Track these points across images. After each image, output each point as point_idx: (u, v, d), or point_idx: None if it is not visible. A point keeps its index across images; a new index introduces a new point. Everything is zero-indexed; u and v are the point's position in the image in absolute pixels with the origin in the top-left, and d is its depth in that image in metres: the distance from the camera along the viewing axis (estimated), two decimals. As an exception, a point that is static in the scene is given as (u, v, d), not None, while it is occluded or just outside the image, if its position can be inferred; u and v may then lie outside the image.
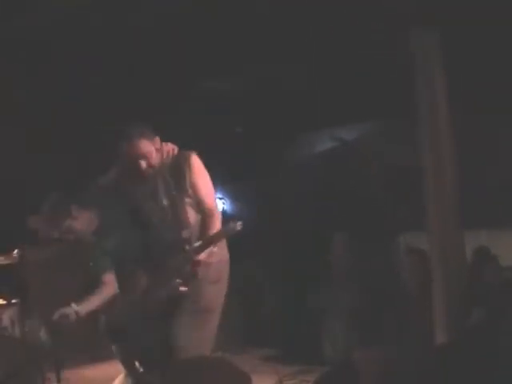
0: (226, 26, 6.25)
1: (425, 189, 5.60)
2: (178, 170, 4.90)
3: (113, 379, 5.90)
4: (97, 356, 7.73)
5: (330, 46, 6.64)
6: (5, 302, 6.35)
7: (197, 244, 4.69)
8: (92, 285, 5.67)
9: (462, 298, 5.57)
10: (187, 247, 4.70)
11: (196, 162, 4.92)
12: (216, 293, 4.96)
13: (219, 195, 9.37)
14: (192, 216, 4.88)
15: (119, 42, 6.59)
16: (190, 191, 4.87)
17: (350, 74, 7.12)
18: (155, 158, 4.86)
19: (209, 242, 4.69)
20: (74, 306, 5.33)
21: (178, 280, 4.72)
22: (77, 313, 5.46)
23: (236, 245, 4.98)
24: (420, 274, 6.30)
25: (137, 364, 5.16)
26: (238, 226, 4.60)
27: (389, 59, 6.55)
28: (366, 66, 6.87)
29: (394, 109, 7.11)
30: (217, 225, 4.85)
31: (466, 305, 5.53)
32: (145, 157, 4.81)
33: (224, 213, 9.28)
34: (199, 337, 4.82)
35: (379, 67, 6.80)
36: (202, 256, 4.65)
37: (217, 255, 4.83)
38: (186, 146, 7.91)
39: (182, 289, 4.73)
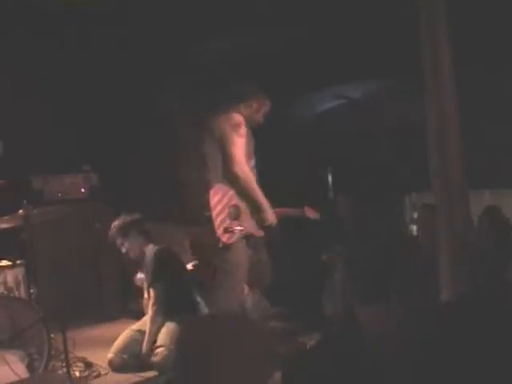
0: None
1: (429, 147, 5.55)
2: None
3: (116, 339, 5.95)
4: (101, 316, 7.79)
5: (334, 4, 6.58)
6: (10, 263, 6.36)
7: None
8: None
9: (466, 258, 5.56)
10: None
11: None
12: None
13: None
14: None
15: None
16: None
17: (354, 31, 7.06)
18: None
19: None
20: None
21: None
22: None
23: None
24: (432, 229, 6.30)
25: None
26: None
27: (392, 15, 6.50)
28: (371, 23, 6.81)
29: (399, 66, 7.06)
30: None
31: (471, 264, 5.53)
32: None
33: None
34: None
35: (384, 24, 6.75)
36: None
37: None
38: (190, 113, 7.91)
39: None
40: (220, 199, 5.13)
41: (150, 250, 5.94)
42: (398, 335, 3.87)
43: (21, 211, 5.89)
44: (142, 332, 5.84)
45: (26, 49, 7.20)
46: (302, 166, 8.39)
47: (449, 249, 5.44)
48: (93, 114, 8.40)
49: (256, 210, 5.30)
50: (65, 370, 5.23)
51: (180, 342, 4.08)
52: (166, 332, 5.67)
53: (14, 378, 4.90)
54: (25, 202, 5.89)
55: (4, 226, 6.04)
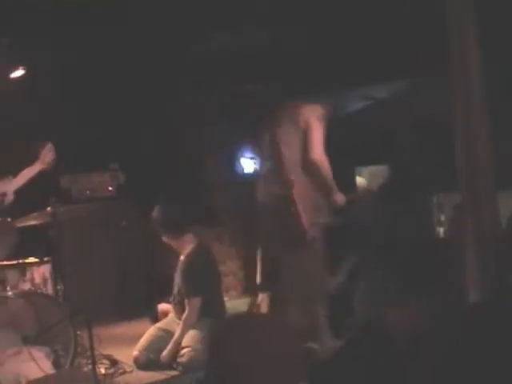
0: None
1: (456, 146, 5.51)
2: None
3: (141, 337, 5.97)
4: (127, 314, 7.82)
5: (361, 3, 6.56)
6: (37, 260, 6.40)
7: None
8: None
9: (495, 260, 5.51)
10: None
11: None
12: None
13: (250, 155, 9.35)
14: None
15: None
16: None
17: (382, 31, 7.03)
18: None
19: None
20: None
21: None
22: None
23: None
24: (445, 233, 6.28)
25: None
26: None
27: (420, 14, 6.46)
28: (398, 22, 6.78)
29: (426, 67, 7.01)
30: None
31: (499, 266, 5.47)
32: None
33: (255, 172, 9.26)
34: None
35: (410, 24, 6.71)
36: None
37: None
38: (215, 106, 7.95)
39: None
40: (304, 192, 5.17)
41: (194, 250, 5.92)
42: (425, 336, 3.84)
43: (48, 209, 5.94)
44: (167, 331, 5.85)
45: (52, 47, 7.23)
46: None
47: (476, 250, 5.39)
48: (121, 111, 8.44)
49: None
50: (90, 366, 5.24)
51: (212, 343, 4.09)
52: (192, 333, 5.67)
53: (40, 374, 4.93)
54: (52, 199, 5.93)
55: (32, 222, 6.08)
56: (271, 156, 5.38)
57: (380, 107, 8.58)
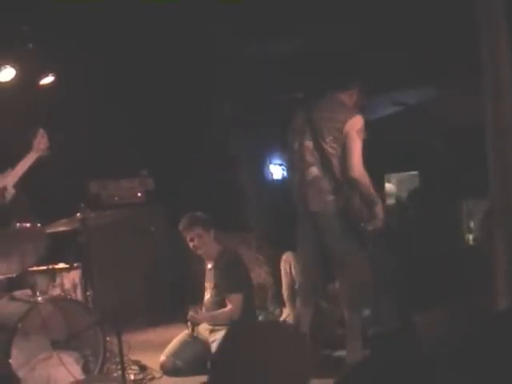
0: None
1: (487, 153, 5.46)
2: None
3: (170, 343, 5.98)
4: (156, 320, 7.84)
5: (391, 9, 6.54)
6: (67, 266, 6.44)
7: None
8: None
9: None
10: None
11: None
12: None
13: (279, 162, 9.35)
14: None
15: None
16: None
17: (411, 36, 7.00)
18: None
19: None
20: None
21: None
22: None
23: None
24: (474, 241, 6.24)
25: None
26: None
27: (450, 20, 6.43)
28: (428, 28, 6.75)
29: (457, 72, 6.98)
30: None
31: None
32: None
33: (284, 179, 9.26)
34: None
35: (440, 30, 6.68)
36: None
37: None
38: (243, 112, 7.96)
39: None
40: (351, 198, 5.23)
41: (224, 252, 5.93)
42: (454, 341, 3.82)
43: (78, 214, 5.97)
44: (197, 338, 5.84)
45: (83, 54, 7.29)
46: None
47: (506, 256, 5.35)
48: (151, 118, 8.49)
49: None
50: (120, 372, 5.26)
51: (224, 347, 4.10)
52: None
53: (70, 379, 4.95)
54: (82, 205, 5.97)
55: (62, 228, 6.12)
56: (320, 165, 5.34)
57: (409, 113, 8.54)
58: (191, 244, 5.94)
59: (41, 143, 5.54)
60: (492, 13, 5.31)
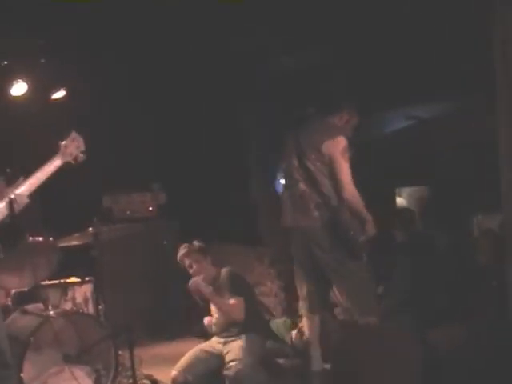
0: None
1: (500, 168, 5.45)
2: None
3: (182, 357, 5.95)
4: (168, 334, 7.83)
5: (406, 23, 6.55)
6: (79, 280, 6.45)
7: None
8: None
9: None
10: None
11: None
12: None
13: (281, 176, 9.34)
14: None
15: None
16: None
17: (424, 52, 7.01)
18: None
19: None
20: None
21: None
22: None
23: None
24: (491, 254, 6.23)
25: None
26: None
27: (464, 37, 6.43)
28: (444, 41, 6.76)
29: (471, 86, 6.97)
30: None
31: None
32: None
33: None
34: None
35: (458, 43, 6.68)
36: None
37: None
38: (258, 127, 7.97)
39: None
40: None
41: (225, 271, 5.94)
42: (468, 355, 3.82)
43: (90, 229, 5.98)
44: (210, 353, 5.81)
45: (94, 73, 7.33)
46: (370, 184, 8.36)
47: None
48: (163, 132, 8.51)
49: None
50: (131, 386, 5.26)
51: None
52: (239, 346, 5.63)
53: (82, 393, 4.96)
54: (95, 220, 5.98)
55: (74, 243, 6.14)
56: (306, 181, 5.47)
57: (422, 128, 8.54)
58: (190, 271, 5.96)
59: (70, 148, 4.69)
60: (506, 29, 5.32)
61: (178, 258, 5.99)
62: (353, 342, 4.53)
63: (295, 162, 5.54)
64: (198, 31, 6.71)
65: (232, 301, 5.74)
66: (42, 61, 7.03)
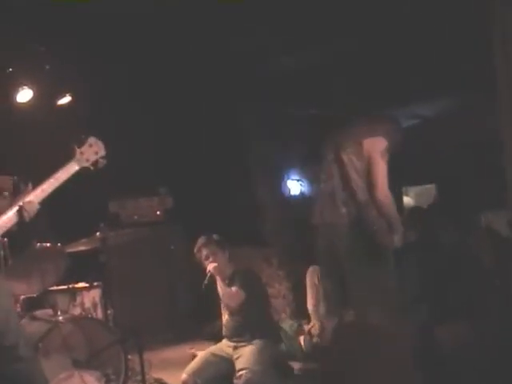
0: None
1: (505, 165, 5.44)
2: None
3: (191, 361, 5.95)
4: (177, 338, 7.83)
5: (407, 22, 6.54)
6: (87, 285, 6.46)
7: None
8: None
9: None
10: None
11: None
12: None
13: (297, 177, 9.35)
14: None
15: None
16: None
17: (428, 51, 7.00)
18: None
19: None
20: None
21: None
22: None
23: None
24: (494, 253, 6.21)
25: None
26: None
27: (465, 31, 6.42)
28: (446, 41, 6.75)
29: (474, 85, 6.96)
30: None
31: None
32: None
33: (302, 194, 9.26)
34: None
35: (459, 43, 6.68)
36: None
37: None
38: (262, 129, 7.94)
39: None
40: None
41: (238, 270, 5.92)
42: (475, 354, 3.81)
43: (98, 234, 5.99)
44: (220, 356, 5.79)
45: (98, 76, 7.34)
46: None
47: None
48: (170, 136, 8.51)
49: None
50: (141, 390, 5.27)
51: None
52: (249, 352, 5.60)
53: (92, 398, 4.95)
54: (102, 225, 5.99)
55: (82, 248, 6.15)
56: (338, 176, 5.40)
57: (427, 126, 8.53)
58: (206, 263, 5.90)
59: (86, 153, 4.55)
60: (506, 28, 5.31)
61: (196, 249, 5.92)
62: (341, 342, 4.46)
63: (331, 157, 5.41)
64: (198, 31, 6.70)
65: (234, 289, 5.72)
66: (47, 67, 7.04)
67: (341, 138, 5.41)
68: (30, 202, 4.22)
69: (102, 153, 4.63)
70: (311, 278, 6.80)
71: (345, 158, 5.33)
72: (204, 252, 5.87)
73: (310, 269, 6.83)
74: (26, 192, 4.29)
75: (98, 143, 4.63)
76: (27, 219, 4.21)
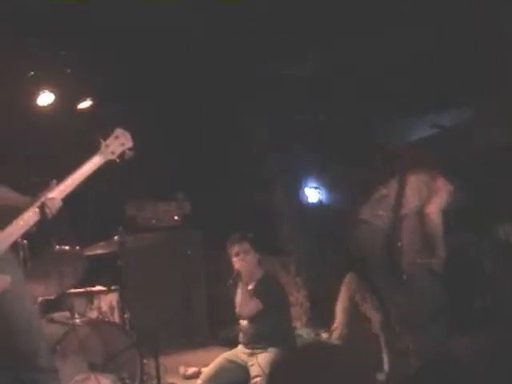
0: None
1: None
2: None
3: (208, 365, 5.94)
4: (192, 343, 7.83)
5: (427, 33, 6.53)
6: (104, 289, 6.47)
7: None
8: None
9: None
10: None
11: None
12: None
13: (314, 185, 9.33)
14: None
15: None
16: None
17: (449, 59, 6.99)
18: None
19: None
20: None
21: None
22: None
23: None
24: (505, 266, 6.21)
25: None
26: None
27: (486, 43, 6.41)
28: (464, 51, 6.74)
29: (495, 94, 6.93)
30: None
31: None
32: None
33: (320, 202, 9.23)
34: None
35: (480, 51, 6.66)
36: None
37: None
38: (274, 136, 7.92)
39: None
40: (411, 230, 5.28)
41: (267, 277, 5.91)
42: (493, 366, 3.78)
43: (116, 237, 6.01)
44: (235, 362, 5.77)
45: (117, 82, 7.37)
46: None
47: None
48: (188, 142, 8.52)
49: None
50: (156, 395, 5.27)
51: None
52: (264, 361, 5.58)
53: (107, 401, 4.96)
54: (120, 228, 6.00)
55: (100, 251, 6.16)
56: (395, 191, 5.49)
57: (446, 136, 8.47)
58: (235, 259, 5.87)
59: (111, 146, 4.37)
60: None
61: (228, 244, 5.89)
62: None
63: (397, 175, 5.61)
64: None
65: (253, 300, 5.70)
66: (68, 71, 7.08)
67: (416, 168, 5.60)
68: (52, 198, 4.07)
69: (130, 144, 4.46)
70: (349, 281, 6.73)
71: (413, 179, 5.49)
72: (236, 248, 5.83)
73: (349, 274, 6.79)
74: (49, 188, 4.12)
75: (125, 134, 4.46)
76: (49, 216, 4.04)
